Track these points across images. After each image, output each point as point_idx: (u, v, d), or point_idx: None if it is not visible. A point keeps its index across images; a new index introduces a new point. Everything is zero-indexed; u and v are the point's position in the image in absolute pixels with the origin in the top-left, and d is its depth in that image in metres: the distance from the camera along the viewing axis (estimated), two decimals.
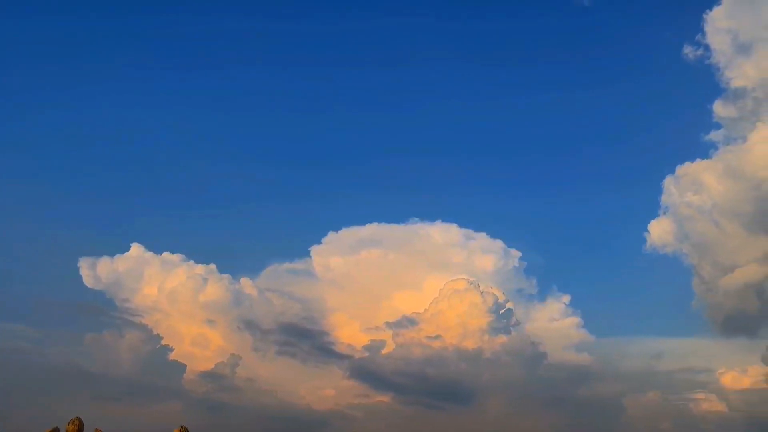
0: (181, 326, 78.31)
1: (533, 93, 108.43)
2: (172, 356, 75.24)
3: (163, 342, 75.75)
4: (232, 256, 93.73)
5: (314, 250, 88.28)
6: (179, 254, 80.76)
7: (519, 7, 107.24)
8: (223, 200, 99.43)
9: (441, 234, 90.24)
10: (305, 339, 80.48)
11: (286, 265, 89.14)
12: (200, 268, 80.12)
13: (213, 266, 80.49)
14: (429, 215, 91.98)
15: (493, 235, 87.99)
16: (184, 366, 75.10)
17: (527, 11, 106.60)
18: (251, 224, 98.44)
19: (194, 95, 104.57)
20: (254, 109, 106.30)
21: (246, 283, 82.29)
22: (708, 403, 75.11)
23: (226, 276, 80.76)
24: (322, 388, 79.83)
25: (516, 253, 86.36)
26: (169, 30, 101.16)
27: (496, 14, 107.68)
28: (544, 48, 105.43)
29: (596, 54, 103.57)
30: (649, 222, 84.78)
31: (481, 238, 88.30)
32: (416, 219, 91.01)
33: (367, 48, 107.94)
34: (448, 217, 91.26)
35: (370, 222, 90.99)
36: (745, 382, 73.89)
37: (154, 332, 76.19)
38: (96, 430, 19.16)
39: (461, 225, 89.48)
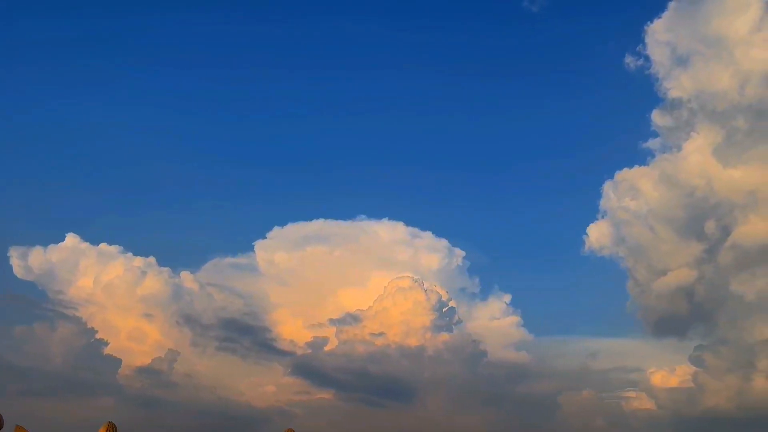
0: (117, 320, 76.24)
1: (480, 100, 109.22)
2: (107, 350, 73.27)
3: (97, 336, 73.68)
4: (173, 249, 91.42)
5: (258, 244, 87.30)
6: (117, 246, 78.80)
7: (464, 12, 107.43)
8: (165, 191, 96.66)
9: (387, 232, 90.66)
10: (246, 335, 79.42)
11: (229, 260, 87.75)
12: (139, 261, 78.23)
13: (152, 259, 78.69)
14: (376, 213, 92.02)
15: (439, 234, 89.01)
16: (120, 361, 73.33)
17: (474, 17, 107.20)
18: (193, 217, 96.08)
19: (135, 89, 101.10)
20: (199, 106, 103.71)
21: (186, 277, 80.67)
22: (638, 401, 77.87)
23: (165, 269, 79.04)
24: (263, 385, 79.03)
25: (460, 253, 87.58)
26: (124, 28, 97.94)
27: (442, 23, 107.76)
28: (491, 57, 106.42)
29: (541, 61, 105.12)
30: (588, 225, 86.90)
31: (427, 237, 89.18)
32: (363, 216, 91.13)
33: (321, 51, 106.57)
34: (394, 215, 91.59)
35: (317, 218, 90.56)
36: (673, 381, 76.97)
37: (89, 326, 74.08)
38: (17, 427, 18.32)
39: (407, 223, 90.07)
